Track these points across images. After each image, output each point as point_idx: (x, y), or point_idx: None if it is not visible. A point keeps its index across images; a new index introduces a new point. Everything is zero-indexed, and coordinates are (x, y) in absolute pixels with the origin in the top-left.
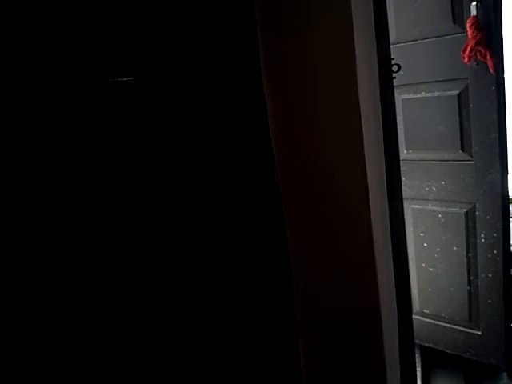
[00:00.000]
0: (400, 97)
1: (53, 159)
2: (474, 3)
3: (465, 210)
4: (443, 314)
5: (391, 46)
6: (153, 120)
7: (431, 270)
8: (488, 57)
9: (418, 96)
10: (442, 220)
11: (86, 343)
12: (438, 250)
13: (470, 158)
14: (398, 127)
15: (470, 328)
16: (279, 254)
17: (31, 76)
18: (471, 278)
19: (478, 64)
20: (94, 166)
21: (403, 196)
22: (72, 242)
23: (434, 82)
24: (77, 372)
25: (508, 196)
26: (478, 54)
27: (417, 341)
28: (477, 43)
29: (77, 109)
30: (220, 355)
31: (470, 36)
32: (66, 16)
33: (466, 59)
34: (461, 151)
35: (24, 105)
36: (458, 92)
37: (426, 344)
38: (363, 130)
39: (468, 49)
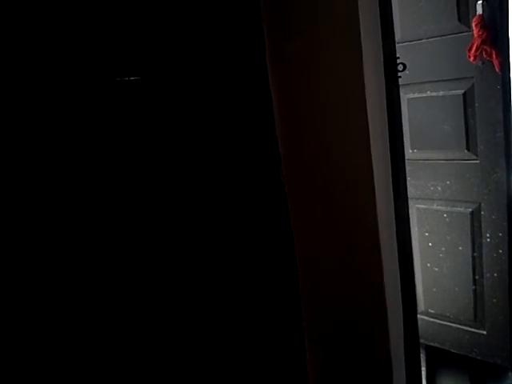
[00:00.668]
0: (405, 96)
1: (58, 157)
2: (480, 2)
3: (470, 210)
4: (448, 314)
5: (396, 45)
6: (159, 119)
7: (436, 269)
8: (494, 56)
9: (424, 95)
10: (447, 219)
11: (87, 343)
12: (443, 249)
13: (475, 157)
14: (403, 127)
15: (475, 328)
16: (285, 254)
17: (37, 76)
18: (476, 277)
19: (483, 63)
20: (100, 165)
21: (408, 195)
22: (80, 241)
23: (440, 81)
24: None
25: None
26: (484, 53)
27: (422, 340)
28: (482, 42)
29: (83, 107)
30: (226, 354)
31: (475, 35)
32: (72, 16)
33: (472, 58)
34: (466, 150)
35: (32, 104)
36: (463, 91)
37: (432, 344)
38: (369, 129)
39: (474, 48)
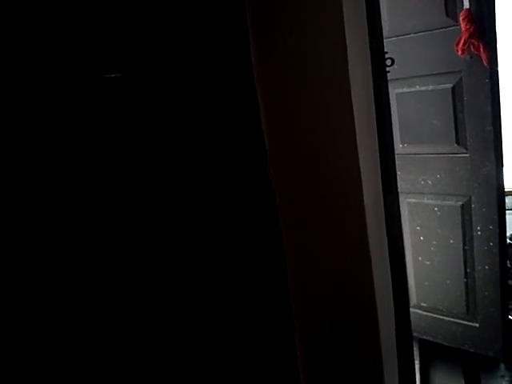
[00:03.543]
0: (394, 91)
1: (46, 153)
2: None
3: (460, 203)
4: (441, 307)
5: (384, 40)
6: (144, 116)
7: (428, 263)
8: (481, 49)
9: (412, 90)
10: (438, 213)
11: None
12: (434, 243)
13: (464, 151)
14: (393, 121)
15: (467, 320)
16: (274, 250)
17: (30, 74)
18: (468, 270)
19: (471, 57)
20: (82, 163)
21: (399, 190)
22: (58, 241)
23: (428, 75)
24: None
25: (503, 188)
26: (472, 47)
27: (415, 334)
28: (470, 36)
29: (72, 104)
30: (215, 351)
31: (463, 29)
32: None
33: (460, 52)
34: (456, 144)
35: (17, 100)
36: (452, 85)
37: (424, 337)
38: (356, 125)
39: (461, 42)
